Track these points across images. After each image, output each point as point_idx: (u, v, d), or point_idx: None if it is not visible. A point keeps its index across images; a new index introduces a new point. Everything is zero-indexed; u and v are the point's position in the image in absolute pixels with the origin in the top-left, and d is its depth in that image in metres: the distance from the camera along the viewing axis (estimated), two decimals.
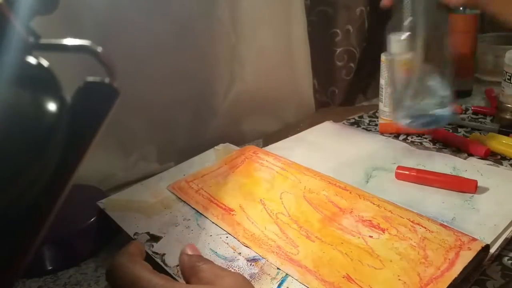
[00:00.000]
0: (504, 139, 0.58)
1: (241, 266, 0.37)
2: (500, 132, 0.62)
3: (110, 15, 0.53)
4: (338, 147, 0.60)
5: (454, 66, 0.53)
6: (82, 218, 0.46)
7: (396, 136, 0.64)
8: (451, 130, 0.65)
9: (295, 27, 0.72)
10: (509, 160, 0.55)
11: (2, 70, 0.19)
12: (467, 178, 0.47)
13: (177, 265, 0.37)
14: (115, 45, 0.48)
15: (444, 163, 0.53)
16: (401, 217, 0.40)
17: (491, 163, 0.53)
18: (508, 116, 0.65)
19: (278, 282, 0.35)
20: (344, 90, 0.83)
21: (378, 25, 0.84)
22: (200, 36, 0.62)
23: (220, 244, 0.40)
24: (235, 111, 0.69)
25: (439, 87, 0.54)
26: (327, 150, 0.59)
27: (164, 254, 0.39)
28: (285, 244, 0.39)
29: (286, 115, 0.76)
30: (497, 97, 0.69)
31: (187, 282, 0.31)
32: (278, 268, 0.37)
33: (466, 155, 0.57)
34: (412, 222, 0.39)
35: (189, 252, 0.33)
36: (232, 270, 0.36)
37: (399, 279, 0.34)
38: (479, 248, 0.35)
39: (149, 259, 0.37)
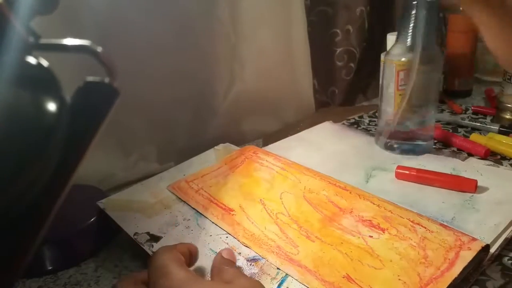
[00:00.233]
0: (504, 139, 0.58)
1: (241, 266, 0.37)
2: (500, 132, 0.62)
3: (110, 15, 0.53)
4: (338, 147, 0.60)
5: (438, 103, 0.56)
6: (82, 218, 0.46)
7: None
8: (451, 130, 0.65)
9: (295, 27, 0.72)
10: (509, 160, 0.55)
11: (2, 70, 0.19)
12: (467, 178, 0.47)
13: None
14: (115, 45, 0.48)
15: (444, 163, 0.53)
16: (401, 217, 0.40)
17: (491, 163, 0.53)
18: (508, 116, 0.65)
19: (278, 282, 0.35)
20: (344, 90, 0.83)
21: (378, 25, 0.84)
22: (200, 36, 0.62)
23: (220, 244, 0.40)
24: (235, 111, 0.69)
25: (424, 117, 0.56)
26: (327, 150, 0.59)
27: None
28: (285, 244, 0.39)
29: (286, 115, 0.76)
30: (497, 97, 0.69)
31: (212, 279, 0.34)
32: (278, 268, 0.37)
33: (466, 155, 0.57)
34: (412, 222, 0.39)
35: (224, 256, 0.36)
36: None
37: (399, 279, 0.34)
38: (479, 248, 0.35)
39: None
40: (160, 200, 0.48)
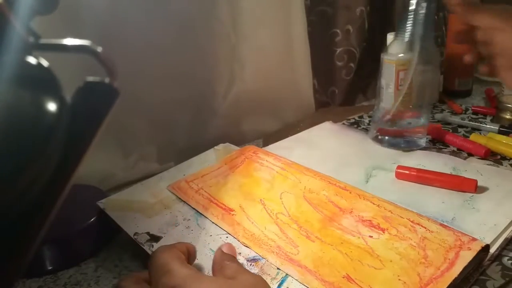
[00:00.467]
0: (504, 139, 0.58)
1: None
2: (500, 132, 0.62)
3: (110, 15, 0.53)
4: (338, 147, 0.60)
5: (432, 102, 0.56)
6: (82, 218, 0.46)
7: None
8: (451, 130, 0.65)
9: (295, 27, 0.72)
10: (509, 160, 0.55)
11: (2, 70, 0.19)
12: (467, 178, 0.47)
13: None
14: (115, 45, 0.48)
15: (444, 163, 0.53)
16: (401, 217, 0.40)
17: (491, 163, 0.53)
18: (508, 116, 0.65)
19: (278, 282, 0.35)
20: (344, 90, 0.83)
21: (378, 25, 0.84)
22: (200, 36, 0.62)
23: (220, 244, 0.40)
24: (235, 111, 0.69)
25: (420, 114, 0.56)
26: (327, 150, 0.59)
27: None
28: (285, 244, 0.39)
29: (286, 115, 0.76)
30: (497, 97, 0.69)
31: (214, 275, 0.34)
32: (278, 268, 0.37)
33: (466, 155, 0.57)
34: (412, 222, 0.39)
35: (225, 250, 0.36)
36: None
37: (399, 279, 0.34)
38: (479, 248, 0.35)
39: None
40: (160, 200, 0.48)
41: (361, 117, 0.73)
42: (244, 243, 0.40)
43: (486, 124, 0.65)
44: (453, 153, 0.57)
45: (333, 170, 0.51)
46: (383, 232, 0.39)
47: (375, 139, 0.59)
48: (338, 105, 0.84)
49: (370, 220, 0.40)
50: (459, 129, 0.66)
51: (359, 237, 0.39)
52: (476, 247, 0.35)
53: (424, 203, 0.45)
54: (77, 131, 0.20)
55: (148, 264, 0.33)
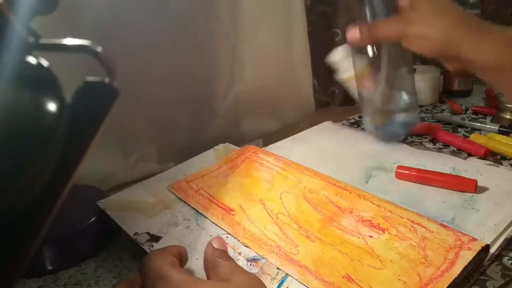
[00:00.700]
0: (504, 139, 0.58)
1: (241, 266, 0.37)
2: (500, 132, 0.62)
3: (110, 15, 0.53)
4: (338, 147, 0.60)
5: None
6: (82, 218, 0.46)
7: None
8: (451, 130, 0.65)
9: (295, 27, 0.72)
10: (509, 160, 0.55)
11: (2, 70, 0.19)
12: (467, 178, 0.47)
13: None
14: (115, 45, 0.48)
15: (443, 163, 0.53)
16: (401, 217, 0.40)
17: (491, 163, 0.53)
18: (508, 116, 0.65)
19: (278, 282, 0.35)
20: (344, 90, 0.83)
21: None
22: (200, 36, 0.62)
23: None
24: (235, 111, 0.69)
25: (402, 94, 0.53)
26: (327, 150, 0.59)
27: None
28: (285, 244, 0.39)
29: (286, 115, 0.76)
30: (497, 97, 0.69)
31: (207, 274, 0.34)
32: (278, 268, 0.37)
33: (466, 155, 0.57)
34: (412, 222, 0.39)
35: (215, 245, 0.35)
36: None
37: (399, 279, 0.34)
38: (479, 248, 0.35)
39: None
40: (160, 200, 0.48)
41: (361, 117, 0.73)
42: (244, 243, 0.40)
43: (486, 124, 0.65)
44: (453, 153, 0.57)
45: (333, 171, 0.51)
46: (383, 232, 0.39)
47: (376, 132, 0.55)
48: (338, 105, 0.84)
49: (370, 220, 0.40)
50: (459, 129, 0.66)
51: (359, 237, 0.39)
52: (476, 247, 0.35)
53: (424, 203, 0.45)
54: (77, 131, 0.20)
55: (140, 269, 0.32)
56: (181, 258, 0.35)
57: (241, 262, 0.38)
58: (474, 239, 0.36)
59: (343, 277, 0.34)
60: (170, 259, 0.32)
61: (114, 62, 0.22)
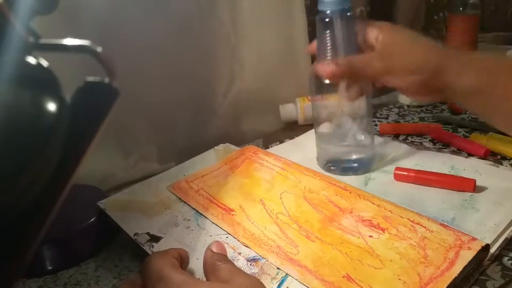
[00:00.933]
0: (504, 139, 0.58)
1: (241, 266, 0.37)
2: (500, 132, 0.62)
3: (110, 15, 0.53)
4: None
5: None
6: (82, 218, 0.46)
7: (396, 136, 0.64)
8: (451, 130, 0.65)
9: (295, 27, 0.72)
10: (509, 160, 0.55)
11: (2, 70, 0.19)
12: (466, 177, 0.47)
13: None
14: (115, 45, 0.48)
15: (442, 162, 0.53)
16: (401, 216, 0.40)
17: (491, 163, 0.53)
18: None
19: (278, 282, 0.35)
20: None
21: None
22: (200, 36, 0.62)
23: None
24: (235, 111, 0.69)
25: (359, 132, 0.53)
26: None
27: None
28: (285, 244, 0.39)
29: None
30: None
31: (207, 277, 0.34)
32: (278, 268, 0.37)
33: (466, 155, 0.57)
34: (412, 221, 0.39)
35: (214, 249, 0.35)
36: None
37: (399, 279, 0.34)
38: (479, 247, 0.35)
39: None
40: (160, 200, 0.48)
41: None
42: (244, 243, 0.40)
43: (486, 124, 0.65)
44: (453, 153, 0.57)
45: (332, 174, 0.51)
46: (383, 232, 0.39)
47: (326, 168, 0.54)
48: None
49: (370, 220, 0.40)
50: (459, 129, 0.66)
51: (359, 237, 0.39)
52: (476, 247, 0.35)
53: (424, 204, 0.45)
54: (77, 131, 0.20)
55: (142, 270, 0.33)
56: (182, 260, 0.35)
57: (241, 262, 0.38)
58: (474, 239, 0.36)
59: (343, 277, 0.34)
60: (171, 261, 0.33)
61: (114, 62, 0.22)
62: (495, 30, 0.93)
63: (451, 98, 0.45)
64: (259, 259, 0.38)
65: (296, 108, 0.70)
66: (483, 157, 0.55)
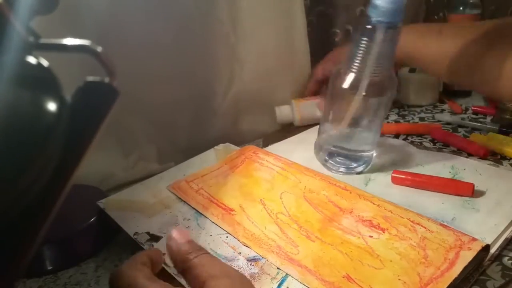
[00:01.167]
0: (504, 139, 0.58)
1: (241, 265, 0.37)
2: (500, 132, 0.62)
3: (110, 15, 0.53)
4: None
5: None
6: (82, 218, 0.46)
7: (396, 136, 0.64)
8: (451, 130, 0.65)
9: (295, 27, 0.72)
10: (509, 160, 0.55)
11: (2, 70, 0.19)
12: (464, 182, 0.47)
13: None
14: (115, 45, 0.47)
15: (442, 162, 0.53)
16: (401, 217, 0.40)
17: (491, 163, 0.53)
18: (508, 116, 0.65)
19: (278, 282, 0.35)
20: None
21: None
22: (200, 36, 0.62)
23: (220, 244, 0.40)
24: (235, 111, 0.69)
25: (365, 132, 0.52)
26: None
27: (164, 254, 0.39)
28: (285, 244, 0.39)
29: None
30: None
31: (181, 274, 0.30)
32: (278, 268, 0.37)
33: (466, 155, 0.57)
34: (412, 222, 0.39)
35: (178, 238, 0.30)
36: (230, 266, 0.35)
37: (399, 279, 0.34)
38: (479, 248, 0.35)
39: None
40: (160, 200, 0.48)
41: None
42: (244, 243, 0.40)
43: (486, 124, 0.65)
44: (453, 153, 0.57)
45: (332, 173, 0.51)
46: (383, 232, 0.39)
47: (325, 163, 0.54)
48: None
49: (370, 220, 0.40)
50: (459, 129, 0.66)
51: (359, 237, 0.39)
52: (476, 247, 0.35)
53: (424, 204, 0.45)
54: (77, 130, 0.20)
55: (110, 285, 0.29)
56: (153, 263, 0.31)
57: (241, 261, 0.38)
58: (474, 239, 0.36)
59: (343, 277, 0.34)
60: (143, 271, 0.29)
61: (114, 62, 0.22)
62: None
63: (407, 64, 0.60)
64: (259, 259, 0.38)
65: (293, 110, 0.70)
66: (483, 157, 0.55)
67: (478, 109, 0.72)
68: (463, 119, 0.68)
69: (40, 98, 0.19)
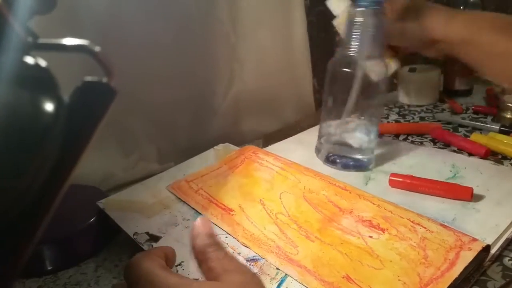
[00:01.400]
0: (505, 139, 0.58)
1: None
2: (501, 131, 0.62)
3: (109, 15, 0.53)
4: None
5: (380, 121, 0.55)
6: (82, 218, 0.46)
7: (396, 136, 0.64)
8: (451, 130, 0.65)
9: (295, 27, 0.72)
10: (509, 159, 0.55)
11: (0, 70, 0.19)
12: (463, 186, 0.46)
13: (177, 265, 0.37)
14: (115, 45, 0.48)
15: (443, 161, 0.53)
16: (401, 217, 0.40)
17: (492, 162, 0.53)
18: (508, 116, 0.65)
19: (278, 282, 0.35)
20: None
21: None
22: (200, 36, 0.62)
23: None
24: (235, 111, 0.69)
25: (365, 134, 0.54)
26: None
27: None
28: (285, 244, 0.39)
29: (286, 115, 0.76)
30: (498, 96, 0.69)
31: (199, 264, 0.30)
32: (277, 268, 0.36)
33: (466, 154, 0.56)
34: (412, 222, 0.39)
35: (201, 230, 0.31)
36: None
37: (399, 279, 0.33)
38: (479, 248, 0.35)
39: None
40: (159, 200, 0.48)
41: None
42: (243, 243, 0.40)
43: (487, 124, 0.65)
44: (453, 153, 0.57)
45: (332, 173, 0.51)
46: (383, 232, 0.39)
47: (327, 160, 0.55)
48: None
49: (370, 220, 0.40)
50: (460, 129, 0.66)
51: (359, 237, 0.38)
52: (477, 248, 0.35)
53: (424, 204, 0.45)
54: (75, 130, 0.20)
55: (125, 275, 0.29)
56: (168, 259, 0.32)
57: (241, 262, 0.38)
58: (474, 240, 0.36)
59: (343, 277, 0.34)
60: (159, 262, 0.30)
61: (112, 62, 0.22)
62: None
63: (444, 50, 0.54)
64: (258, 259, 0.38)
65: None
66: (484, 157, 0.55)
67: (479, 108, 0.72)
68: (463, 118, 0.68)
69: (37, 98, 0.19)
